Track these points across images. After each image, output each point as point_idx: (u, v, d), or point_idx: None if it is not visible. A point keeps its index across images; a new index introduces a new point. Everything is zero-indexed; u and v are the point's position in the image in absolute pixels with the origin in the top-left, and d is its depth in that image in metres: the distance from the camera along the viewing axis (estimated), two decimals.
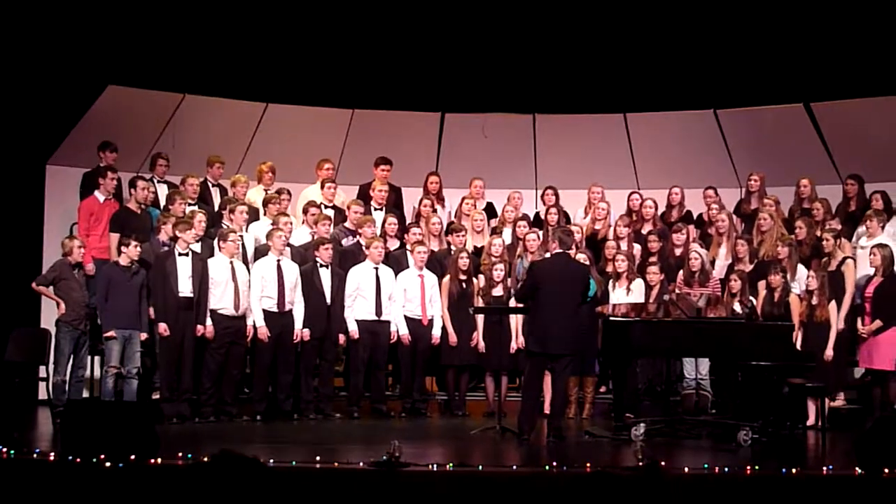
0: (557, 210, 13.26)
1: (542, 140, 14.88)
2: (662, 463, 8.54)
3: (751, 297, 11.72)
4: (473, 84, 14.52)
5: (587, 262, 11.76)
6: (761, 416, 10.72)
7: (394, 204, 13.63)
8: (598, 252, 12.66)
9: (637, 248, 12.86)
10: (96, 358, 11.82)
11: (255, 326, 11.74)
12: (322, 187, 13.20)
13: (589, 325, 11.86)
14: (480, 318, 12.24)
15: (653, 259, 12.43)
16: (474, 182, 13.75)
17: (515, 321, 12.07)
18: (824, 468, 8.65)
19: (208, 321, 11.55)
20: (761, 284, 11.84)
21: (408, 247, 12.67)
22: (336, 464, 8.61)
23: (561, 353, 10.51)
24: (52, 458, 8.58)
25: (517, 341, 12.02)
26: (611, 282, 12.23)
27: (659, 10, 14.02)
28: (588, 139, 14.73)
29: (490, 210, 13.76)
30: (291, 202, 13.14)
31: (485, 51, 14.32)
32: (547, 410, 11.12)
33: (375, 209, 13.28)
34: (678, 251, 12.63)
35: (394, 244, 12.88)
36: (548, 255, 11.34)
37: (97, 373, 11.85)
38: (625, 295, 12.08)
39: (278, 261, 11.87)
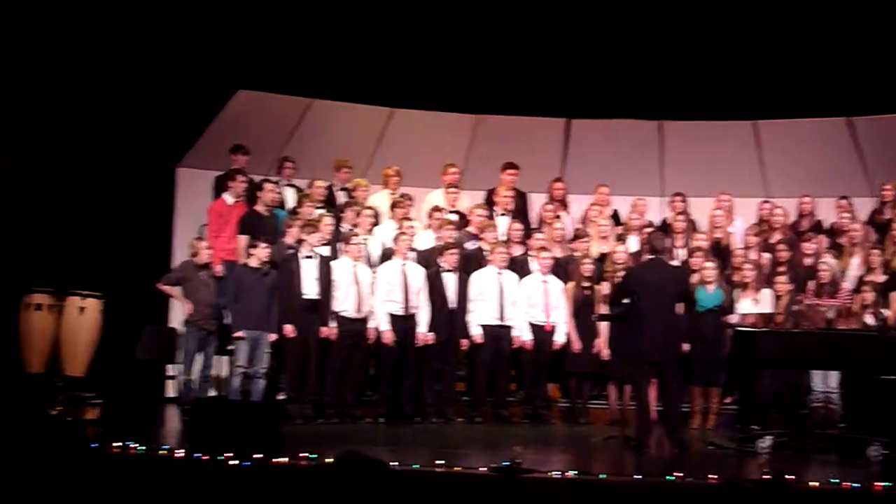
0: (685, 217, 13.16)
1: (669, 147, 14.77)
2: (789, 477, 8.41)
3: (882, 310, 11.50)
4: (600, 90, 14.44)
5: (714, 269, 11.73)
6: (892, 432, 10.50)
7: (519, 209, 13.63)
8: (725, 261, 12.53)
9: (766, 257, 12.69)
10: (224, 357, 12.01)
11: (378, 330, 11.84)
12: (446, 192, 13.29)
13: (714, 334, 11.81)
14: (604, 326, 12.21)
15: (782, 269, 12.24)
16: (600, 189, 13.72)
17: None
18: None
19: (332, 323, 11.68)
20: (894, 296, 11.60)
21: (531, 252, 12.68)
22: (457, 468, 8.63)
23: (658, 360, 10.40)
24: (179, 455, 8.75)
25: None
26: (737, 291, 12.09)
27: (792, 14, 13.79)
28: (716, 146, 14.54)
29: (615, 217, 13.70)
30: (416, 207, 13.22)
31: (612, 57, 14.23)
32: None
33: (501, 214, 13.31)
34: (808, 261, 12.43)
35: (518, 249, 12.89)
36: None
37: (225, 372, 12.06)
38: (752, 305, 11.93)
39: (403, 265, 11.96)
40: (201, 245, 11.77)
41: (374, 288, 11.91)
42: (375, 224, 12.68)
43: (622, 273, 11.96)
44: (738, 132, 14.58)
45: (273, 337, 11.50)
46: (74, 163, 12.54)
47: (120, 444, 8.82)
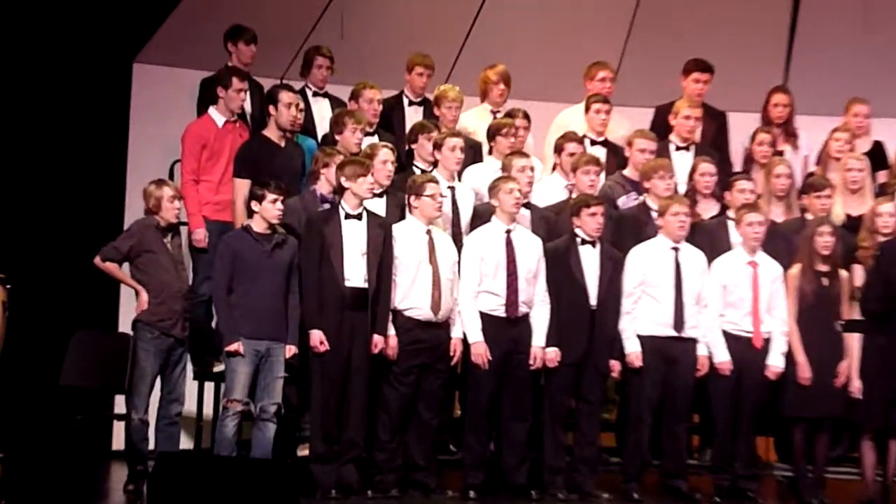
0: None
1: None
2: None
3: None
4: None
5: None
6: None
7: (712, 140, 13.68)
8: None
9: None
10: (207, 385, 12.16)
11: (465, 341, 11.94)
12: (587, 110, 13.34)
13: None
14: (854, 340, 12.19)
15: None
16: (853, 107, 13.72)
17: None
18: None
19: (390, 330, 11.79)
20: None
21: (731, 213, 12.69)
22: None
23: None
24: None
25: None
26: None
27: None
28: None
29: (878, 154, 13.67)
30: (534, 133, 13.34)
31: None
32: None
33: (679, 147, 13.34)
34: None
35: (709, 209, 12.91)
36: None
37: (208, 409, 12.24)
38: None
39: (508, 232, 12.00)
40: (163, 193, 11.64)
41: (460, 270, 12.02)
42: (467, 163, 12.77)
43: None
44: None
45: (291, 351, 11.62)
46: None
47: None
